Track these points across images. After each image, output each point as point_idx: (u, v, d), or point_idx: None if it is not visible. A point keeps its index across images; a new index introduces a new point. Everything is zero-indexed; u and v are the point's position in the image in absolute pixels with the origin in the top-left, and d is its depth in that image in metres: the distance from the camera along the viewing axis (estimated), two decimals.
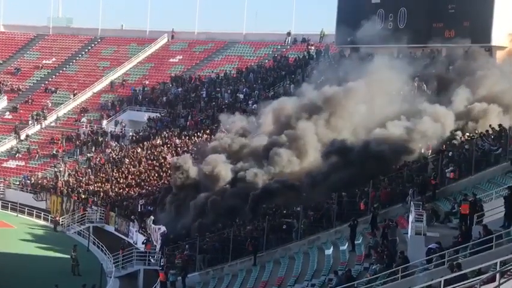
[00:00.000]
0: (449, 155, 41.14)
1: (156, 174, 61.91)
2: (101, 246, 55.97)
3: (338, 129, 50.68)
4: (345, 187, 42.17)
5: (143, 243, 51.03)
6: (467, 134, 43.71)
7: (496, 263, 18.14)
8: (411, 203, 33.97)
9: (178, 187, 52.86)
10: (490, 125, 42.77)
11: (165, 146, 66.83)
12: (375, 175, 41.90)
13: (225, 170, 51.04)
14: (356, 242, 36.60)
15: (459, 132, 44.70)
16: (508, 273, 17.49)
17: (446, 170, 39.61)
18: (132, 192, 61.05)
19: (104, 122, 78.70)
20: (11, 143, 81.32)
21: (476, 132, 43.13)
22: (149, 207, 55.09)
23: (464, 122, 46.25)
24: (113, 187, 63.53)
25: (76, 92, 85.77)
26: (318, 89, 55.20)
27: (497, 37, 55.23)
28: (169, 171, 60.82)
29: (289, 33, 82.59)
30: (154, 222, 50.91)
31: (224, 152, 53.36)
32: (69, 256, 50.60)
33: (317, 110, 52.39)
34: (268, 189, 47.08)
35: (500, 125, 40.80)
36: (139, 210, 56.18)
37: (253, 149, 53.61)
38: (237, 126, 57.94)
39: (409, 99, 51.00)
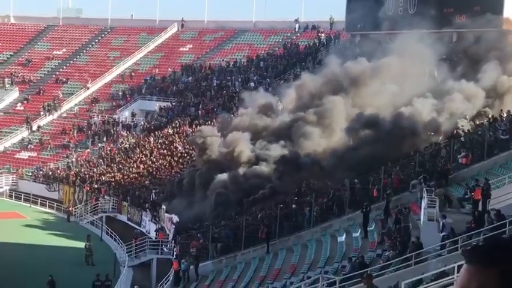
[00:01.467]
0: (461, 140, 41.07)
1: (168, 164, 61.98)
2: (114, 235, 56.10)
3: (363, 106, 50.40)
4: (374, 163, 41.97)
5: (155, 232, 51.15)
6: (477, 121, 43.61)
7: None
8: (424, 189, 33.88)
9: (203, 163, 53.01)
10: (501, 110, 42.71)
11: (176, 135, 66.88)
12: (402, 152, 42.13)
13: (245, 150, 51.00)
14: (368, 229, 36.54)
15: (487, 109, 44.66)
16: None
17: (458, 156, 39.50)
18: (144, 182, 61.11)
19: (117, 112, 78.77)
20: (22, 134, 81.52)
21: (488, 117, 43.00)
22: (161, 196, 55.19)
23: (493, 100, 46.10)
24: (125, 177, 63.66)
25: (87, 82, 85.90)
26: (343, 66, 54.81)
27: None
28: (180, 160, 60.94)
29: (296, 20, 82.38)
30: (167, 211, 50.98)
31: (246, 130, 53.34)
32: (83, 246, 50.76)
33: (343, 87, 52.13)
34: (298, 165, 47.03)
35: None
36: (151, 199, 56.29)
37: (276, 127, 53.43)
38: (260, 104, 57.61)
39: (438, 78, 50.60)
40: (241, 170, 49.76)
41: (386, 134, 44.74)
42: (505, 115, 41.43)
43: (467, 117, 44.96)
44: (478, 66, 49.53)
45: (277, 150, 50.13)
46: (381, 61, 52.30)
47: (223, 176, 49.57)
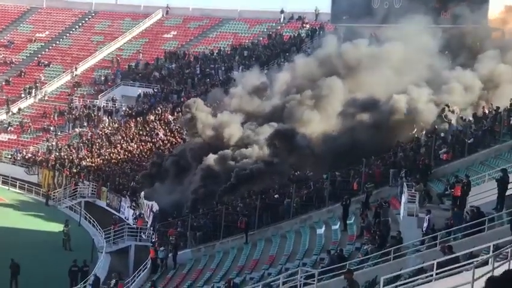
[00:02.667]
0: (442, 135, 41.17)
1: (148, 150, 61.80)
2: (93, 221, 55.89)
3: (358, 91, 50.13)
4: (358, 153, 41.89)
5: (134, 218, 51.00)
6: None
7: (489, 246, 18.10)
8: (405, 184, 33.94)
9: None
10: (483, 107, 42.91)
11: (158, 121, 66.68)
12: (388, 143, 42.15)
13: (236, 133, 50.94)
14: (348, 222, 36.57)
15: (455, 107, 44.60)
16: (501, 256, 17.46)
17: (440, 152, 39.58)
18: (125, 168, 60.90)
19: (99, 97, 78.39)
20: (2, 116, 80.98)
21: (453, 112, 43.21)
22: (141, 183, 55.00)
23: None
24: (105, 162, 63.43)
25: (69, 66, 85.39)
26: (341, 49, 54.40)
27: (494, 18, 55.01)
28: (162, 147, 60.75)
29: (282, 11, 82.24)
30: (146, 198, 50.84)
31: (237, 111, 53.04)
32: (61, 230, 50.54)
33: (338, 70, 51.75)
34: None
35: (498, 107, 40.59)
36: (131, 185, 56.09)
37: (269, 109, 53.17)
38: (252, 84, 57.21)
39: (438, 69, 50.21)
40: (230, 153, 49.60)
41: (379, 121, 44.76)
42: (487, 112, 41.52)
43: (456, 109, 44.70)
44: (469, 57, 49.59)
45: (268, 132, 49.89)
46: (382, 47, 51.96)
47: (210, 160, 49.35)
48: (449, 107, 44.29)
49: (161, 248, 41.07)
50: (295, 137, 47.59)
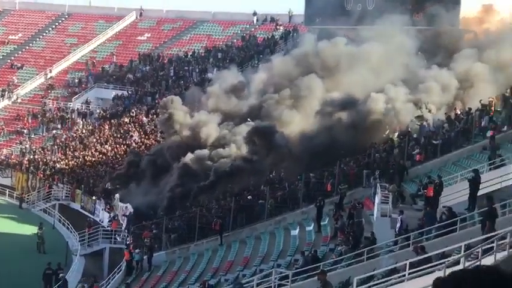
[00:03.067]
0: (414, 136, 41.50)
1: (123, 152, 61.66)
2: (67, 224, 55.67)
3: (335, 90, 50.18)
4: (332, 153, 42.04)
5: (109, 221, 50.89)
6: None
7: (461, 246, 18.33)
8: (378, 185, 34.17)
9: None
10: (455, 109, 43.25)
11: (132, 124, 66.58)
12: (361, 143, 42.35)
13: (212, 133, 50.91)
14: (322, 223, 36.78)
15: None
16: (472, 255, 17.71)
17: (413, 153, 39.89)
18: (99, 170, 60.72)
19: (72, 99, 78.07)
20: None
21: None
22: (116, 185, 54.83)
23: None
24: (79, 164, 63.20)
25: (42, 68, 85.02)
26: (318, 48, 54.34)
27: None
28: (136, 149, 60.59)
29: (255, 13, 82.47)
30: (121, 200, 50.74)
31: (214, 111, 52.95)
32: (35, 233, 50.33)
33: (315, 69, 51.71)
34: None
35: (469, 109, 40.94)
36: (105, 187, 55.92)
37: (246, 108, 53.14)
38: (230, 83, 56.99)
39: (415, 68, 50.31)
40: (207, 152, 49.63)
41: (357, 121, 44.97)
42: (459, 112, 41.86)
43: (433, 108, 44.89)
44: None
45: (245, 131, 49.90)
46: (360, 47, 52.05)
47: (187, 159, 49.38)
48: (426, 106, 44.58)
49: (137, 250, 41.04)
50: (274, 135, 47.65)
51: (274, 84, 53.66)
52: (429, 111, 44.52)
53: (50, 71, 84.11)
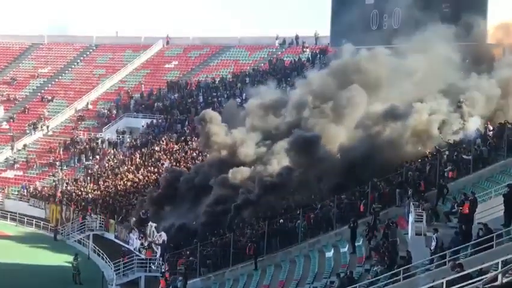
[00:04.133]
0: (446, 154, 41.18)
1: (154, 181, 61.78)
2: (102, 254, 55.89)
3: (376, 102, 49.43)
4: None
5: (143, 248, 50.88)
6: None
7: (498, 262, 18.12)
8: (411, 203, 33.93)
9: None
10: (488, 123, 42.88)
11: (163, 152, 66.79)
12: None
13: (249, 151, 50.83)
14: (356, 244, 36.56)
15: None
16: (510, 272, 17.47)
17: (445, 170, 39.58)
18: (131, 199, 60.88)
19: (103, 130, 78.57)
20: (7, 153, 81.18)
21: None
22: (148, 214, 54.85)
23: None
24: (112, 194, 63.44)
25: (72, 100, 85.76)
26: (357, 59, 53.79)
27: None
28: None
29: (277, 37, 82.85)
30: (156, 229, 50.74)
31: (253, 129, 52.85)
32: (70, 265, 50.52)
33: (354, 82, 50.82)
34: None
35: (500, 123, 40.53)
36: (139, 217, 55.95)
37: (284, 126, 52.65)
38: (268, 99, 56.55)
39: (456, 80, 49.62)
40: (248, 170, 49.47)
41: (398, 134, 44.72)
42: (491, 128, 41.50)
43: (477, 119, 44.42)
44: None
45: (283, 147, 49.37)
46: (402, 59, 51.33)
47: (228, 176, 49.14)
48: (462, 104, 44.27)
49: (180, 278, 40.66)
50: (318, 146, 47.17)
51: (314, 98, 52.96)
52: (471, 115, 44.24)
53: (80, 103, 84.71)
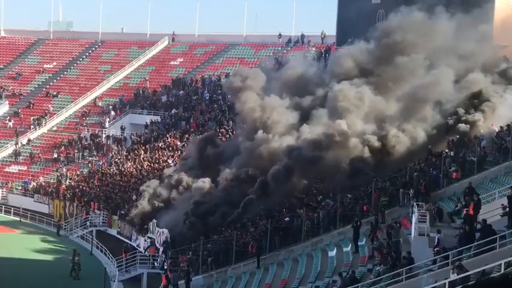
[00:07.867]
0: (451, 154, 41.04)
1: (158, 177, 61.67)
2: (105, 250, 55.92)
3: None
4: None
5: (147, 247, 50.93)
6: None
7: (501, 264, 18.08)
8: (414, 204, 33.85)
9: None
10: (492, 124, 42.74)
11: (167, 149, 66.74)
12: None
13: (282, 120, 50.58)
14: (359, 243, 36.48)
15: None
16: None
17: (449, 170, 39.47)
18: (135, 196, 60.82)
19: (106, 125, 78.54)
20: (12, 147, 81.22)
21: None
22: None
23: None
24: (115, 191, 63.41)
25: (77, 96, 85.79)
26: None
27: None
28: None
29: (280, 35, 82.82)
30: (158, 225, 50.77)
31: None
32: (69, 259, 50.59)
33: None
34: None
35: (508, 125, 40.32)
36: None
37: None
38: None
39: None
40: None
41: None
42: (497, 130, 41.30)
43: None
44: None
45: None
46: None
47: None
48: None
49: (174, 274, 40.57)
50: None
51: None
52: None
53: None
